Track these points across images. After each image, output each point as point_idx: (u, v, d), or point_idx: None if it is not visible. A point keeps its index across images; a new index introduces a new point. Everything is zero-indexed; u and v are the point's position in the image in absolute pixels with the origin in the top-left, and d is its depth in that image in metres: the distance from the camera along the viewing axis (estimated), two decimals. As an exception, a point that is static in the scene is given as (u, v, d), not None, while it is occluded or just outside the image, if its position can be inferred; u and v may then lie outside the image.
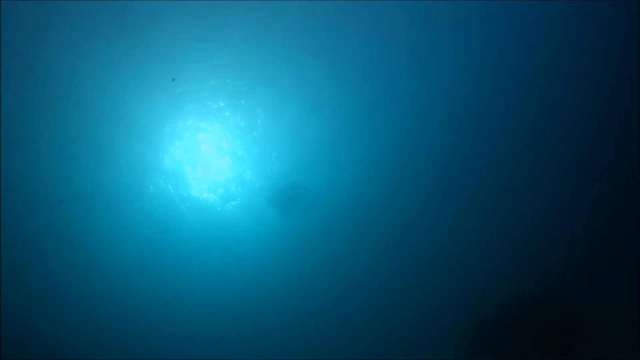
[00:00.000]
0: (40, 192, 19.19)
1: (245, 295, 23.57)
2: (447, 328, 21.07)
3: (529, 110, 19.47)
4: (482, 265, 21.97)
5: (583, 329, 17.86)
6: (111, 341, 22.76)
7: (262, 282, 22.94)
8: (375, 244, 22.45)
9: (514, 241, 21.48)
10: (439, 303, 22.60)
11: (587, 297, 19.01)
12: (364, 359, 23.06)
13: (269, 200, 20.45)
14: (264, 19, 16.54)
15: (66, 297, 21.94)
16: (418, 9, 16.82)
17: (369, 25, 17.11)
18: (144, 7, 15.82)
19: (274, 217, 21.14)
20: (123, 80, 17.17)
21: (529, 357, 17.99)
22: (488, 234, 21.70)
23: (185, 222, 20.97)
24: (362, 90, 18.53)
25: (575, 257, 20.62)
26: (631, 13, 16.79)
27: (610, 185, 20.18)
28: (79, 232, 20.51)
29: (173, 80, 17.21)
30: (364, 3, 16.54)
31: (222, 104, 18.18)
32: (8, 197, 19.00)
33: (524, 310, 18.86)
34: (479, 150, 20.43)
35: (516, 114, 19.56)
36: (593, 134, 19.81)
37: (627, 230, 19.61)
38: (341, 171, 20.28)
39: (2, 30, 15.89)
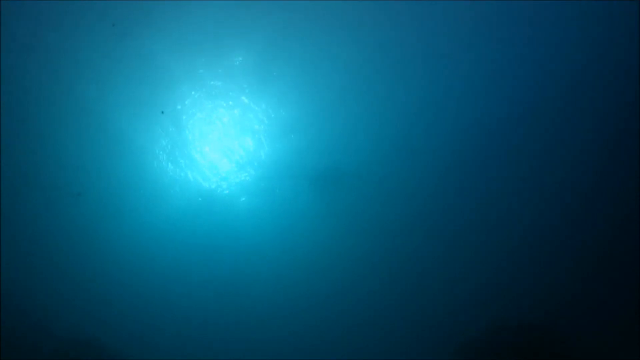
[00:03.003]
0: (58, 185, 19.29)
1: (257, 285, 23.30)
2: (441, 341, 21.13)
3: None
4: (479, 283, 22.13)
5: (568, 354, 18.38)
6: (128, 334, 22.23)
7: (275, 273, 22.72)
8: (380, 245, 22.50)
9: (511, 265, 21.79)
10: (435, 316, 22.60)
11: (574, 323, 19.71)
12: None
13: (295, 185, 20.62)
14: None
15: (83, 289, 21.62)
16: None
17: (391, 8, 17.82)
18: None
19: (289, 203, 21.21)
20: (138, 74, 17.62)
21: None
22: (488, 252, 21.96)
23: (204, 212, 20.97)
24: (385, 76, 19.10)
25: (564, 285, 21.08)
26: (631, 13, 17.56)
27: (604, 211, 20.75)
28: (96, 224, 20.49)
29: (162, 113, 18.14)
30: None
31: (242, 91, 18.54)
32: (26, 190, 19.02)
33: (514, 332, 19.35)
34: (478, 165, 21.01)
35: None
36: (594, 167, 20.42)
37: (617, 259, 20.24)
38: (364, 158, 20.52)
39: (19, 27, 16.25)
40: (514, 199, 21.18)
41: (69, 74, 17.85)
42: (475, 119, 20.61)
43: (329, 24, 18.15)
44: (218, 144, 19.61)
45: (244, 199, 20.87)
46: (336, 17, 18.11)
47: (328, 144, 20.30)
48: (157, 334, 22.84)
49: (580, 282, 20.81)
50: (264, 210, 21.37)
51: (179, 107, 18.63)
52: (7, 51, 16.85)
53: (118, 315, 22.12)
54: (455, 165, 21.13)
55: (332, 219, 21.61)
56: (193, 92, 18.58)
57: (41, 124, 18.46)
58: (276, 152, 20.06)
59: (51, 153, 18.97)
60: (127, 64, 17.78)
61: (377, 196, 21.21)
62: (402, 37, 19.01)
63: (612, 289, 20.21)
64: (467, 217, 21.57)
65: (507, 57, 19.72)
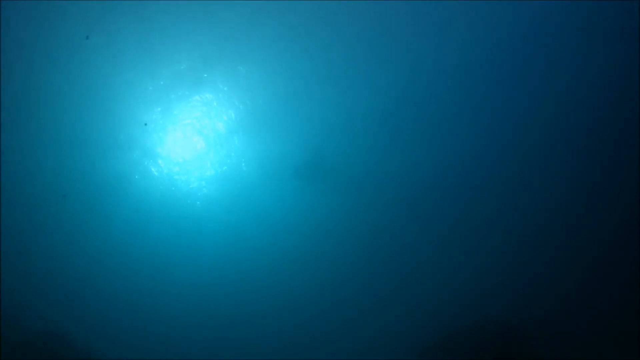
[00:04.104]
0: (43, 186, 19.72)
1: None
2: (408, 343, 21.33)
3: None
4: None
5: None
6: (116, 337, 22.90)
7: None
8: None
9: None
10: (408, 315, 22.44)
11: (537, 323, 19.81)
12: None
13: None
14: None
15: (71, 290, 22.21)
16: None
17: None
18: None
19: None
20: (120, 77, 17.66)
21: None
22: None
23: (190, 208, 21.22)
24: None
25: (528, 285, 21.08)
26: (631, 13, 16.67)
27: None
28: (82, 225, 20.88)
29: (145, 125, 18.33)
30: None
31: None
32: (12, 192, 19.50)
33: (480, 332, 19.64)
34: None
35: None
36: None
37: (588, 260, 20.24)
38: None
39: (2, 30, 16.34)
40: (501, 199, 20.93)
41: (55, 80, 18.00)
42: (465, 115, 20.27)
43: (311, 17, 17.84)
44: (198, 142, 19.61)
45: (224, 196, 20.90)
46: (319, 10, 17.74)
47: (311, 139, 20.17)
48: (130, 331, 23.22)
49: (553, 281, 20.79)
50: (246, 206, 21.31)
51: (159, 110, 18.66)
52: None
53: (92, 311, 22.37)
54: (442, 164, 20.83)
55: (312, 217, 21.58)
56: (173, 94, 18.51)
57: (26, 128, 18.69)
58: (258, 148, 19.94)
59: (38, 156, 19.34)
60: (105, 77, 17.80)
61: (358, 194, 21.07)
62: (389, 31, 18.63)
63: (583, 289, 20.27)
64: (450, 216, 21.40)
65: (500, 54, 19.22)
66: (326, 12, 17.92)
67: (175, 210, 20.96)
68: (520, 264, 20.95)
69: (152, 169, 19.76)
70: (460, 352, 19.19)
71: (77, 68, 17.36)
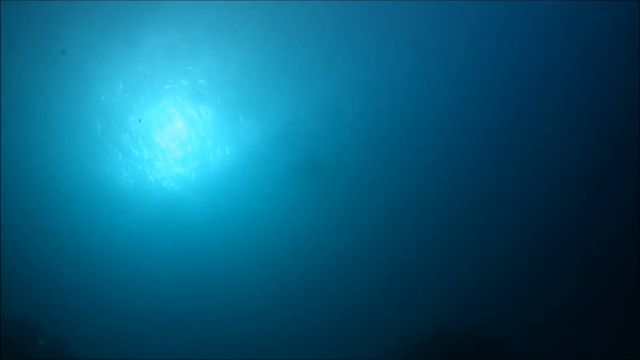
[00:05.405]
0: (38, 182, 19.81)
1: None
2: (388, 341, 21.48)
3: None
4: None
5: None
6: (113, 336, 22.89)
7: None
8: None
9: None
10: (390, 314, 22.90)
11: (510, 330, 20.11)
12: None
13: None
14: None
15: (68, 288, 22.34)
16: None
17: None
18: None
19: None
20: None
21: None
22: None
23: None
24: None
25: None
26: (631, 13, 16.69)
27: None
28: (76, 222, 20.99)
29: (140, 120, 18.35)
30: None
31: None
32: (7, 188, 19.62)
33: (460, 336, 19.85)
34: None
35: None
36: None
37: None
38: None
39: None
40: (496, 201, 20.96)
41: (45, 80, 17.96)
42: (462, 115, 20.18)
43: (304, 11, 17.63)
44: (188, 138, 19.57)
45: (214, 191, 20.90)
46: (318, 7, 17.54)
47: (305, 134, 19.97)
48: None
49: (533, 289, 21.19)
50: (236, 203, 21.28)
51: (152, 109, 18.70)
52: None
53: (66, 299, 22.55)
54: (434, 164, 20.81)
55: (305, 214, 21.54)
56: (164, 91, 18.42)
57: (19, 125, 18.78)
58: (249, 143, 19.82)
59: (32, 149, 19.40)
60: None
61: (351, 193, 21.07)
62: (387, 27, 18.36)
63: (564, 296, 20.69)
64: (438, 218, 21.47)
65: (495, 54, 19.04)
66: (326, 9, 17.84)
67: (163, 206, 21.02)
68: (506, 270, 21.20)
69: (136, 160, 19.81)
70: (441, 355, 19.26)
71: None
